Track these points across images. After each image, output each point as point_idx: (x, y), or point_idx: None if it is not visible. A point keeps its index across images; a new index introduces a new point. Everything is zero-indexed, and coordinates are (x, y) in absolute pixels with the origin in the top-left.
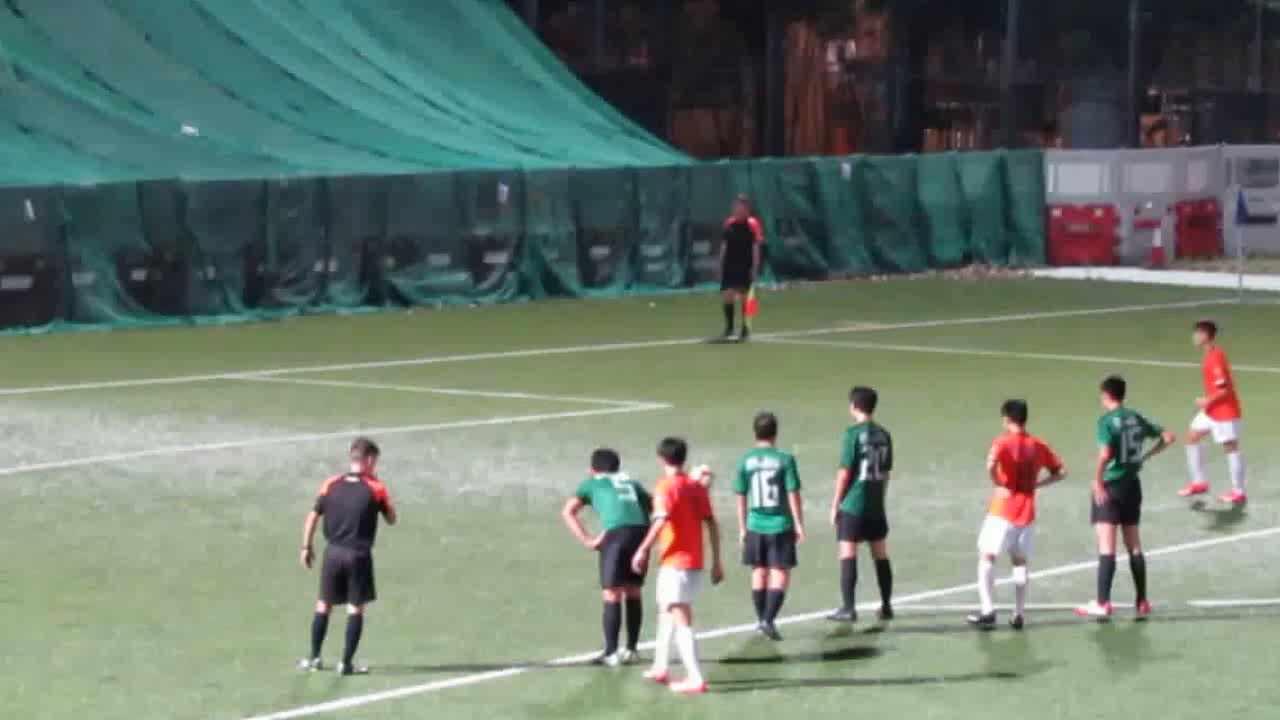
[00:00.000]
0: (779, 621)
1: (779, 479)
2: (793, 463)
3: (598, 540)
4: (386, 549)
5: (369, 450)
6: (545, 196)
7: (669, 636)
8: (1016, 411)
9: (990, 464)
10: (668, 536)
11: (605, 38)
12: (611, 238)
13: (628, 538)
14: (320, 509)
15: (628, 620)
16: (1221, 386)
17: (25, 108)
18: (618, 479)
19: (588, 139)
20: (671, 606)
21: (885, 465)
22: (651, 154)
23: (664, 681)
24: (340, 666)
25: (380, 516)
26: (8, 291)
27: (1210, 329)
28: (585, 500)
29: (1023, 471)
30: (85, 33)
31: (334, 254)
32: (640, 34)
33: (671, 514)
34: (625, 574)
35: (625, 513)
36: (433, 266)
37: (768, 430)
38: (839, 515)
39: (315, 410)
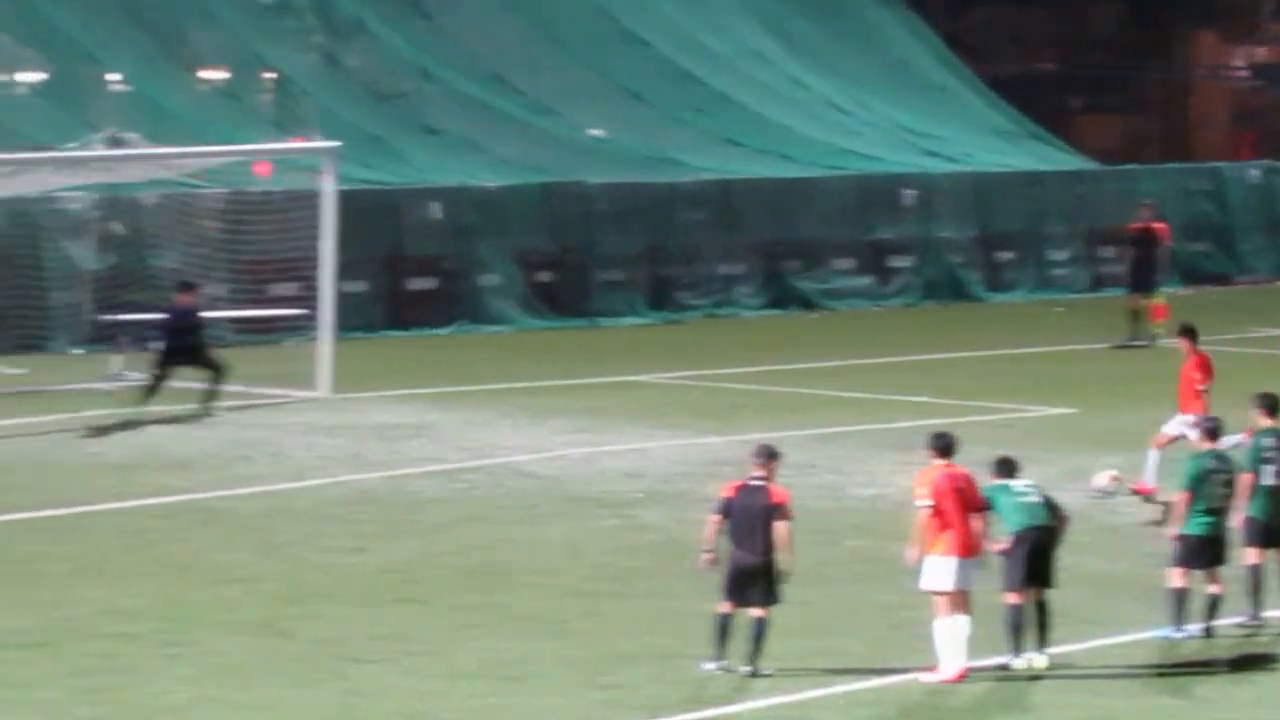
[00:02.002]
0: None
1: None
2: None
3: (1003, 544)
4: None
5: (771, 455)
6: (949, 200)
7: (949, 628)
8: None
9: None
10: (934, 527)
11: (1009, 41)
12: (1016, 242)
13: (1034, 539)
14: (723, 512)
15: (1038, 622)
16: (1197, 389)
17: (431, 110)
18: (1018, 484)
19: (992, 143)
20: (938, 594)
21: None
22: (1056, 158)
23: (963, 677)
24: (743, 669)
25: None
26: (414, 292)
27: (1193, 335)
28: (992, 506)
29: None
30: (491, 36)
31: (737, 257)
32: (1044, 38)
33: (936, 504)
34: (1033, 576)
35: (1028, 514)
36: (836, 270)
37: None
38: (1246, 521)
39: (719, 412)
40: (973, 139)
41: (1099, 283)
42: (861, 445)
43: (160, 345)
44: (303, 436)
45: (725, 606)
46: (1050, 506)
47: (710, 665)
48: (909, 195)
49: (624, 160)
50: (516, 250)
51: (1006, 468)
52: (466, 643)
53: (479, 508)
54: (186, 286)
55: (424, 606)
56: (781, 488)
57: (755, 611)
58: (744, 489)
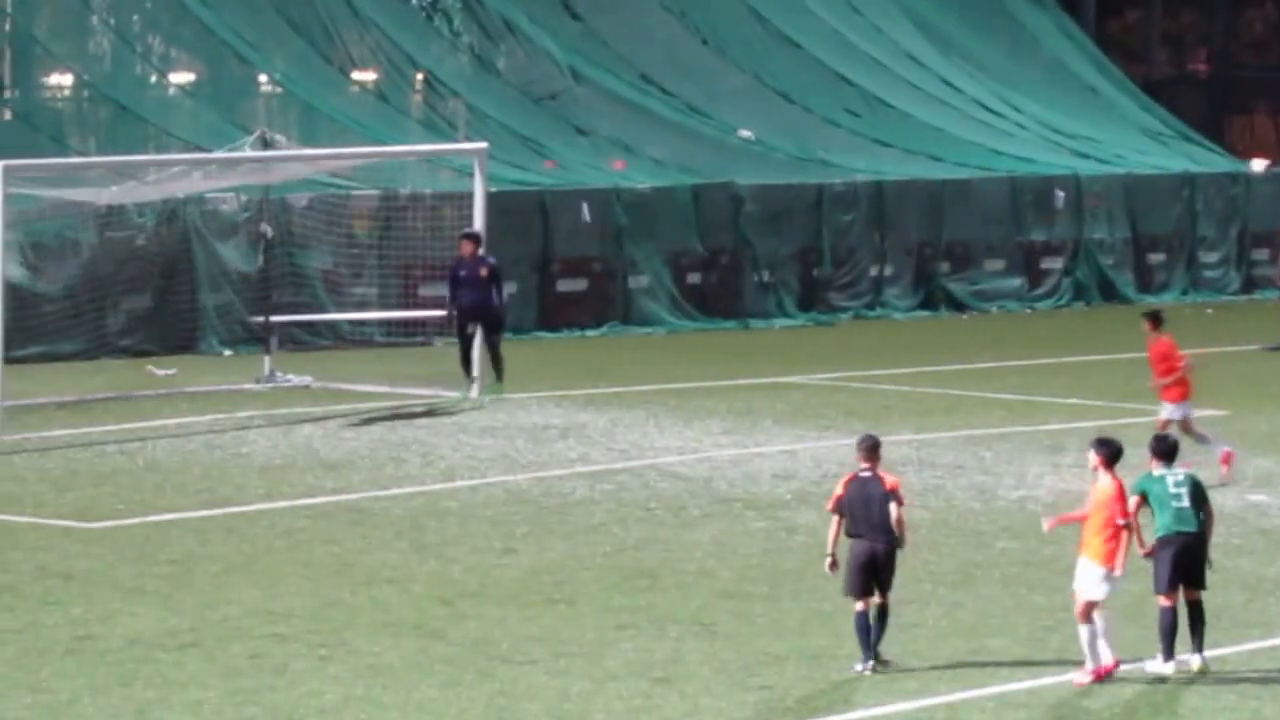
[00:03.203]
0: None
1: None
2: None
3: (1149, 548)
4: (941, 553)
5: (874, 446)
6: (1101, 202)
7: (1096, 629)
8: None
9: None
10: (1097, 532)
11: (1162, 43)
12: (1168, 244)
13: (1181, 543)
14: (839, 510)
15: (1191, 625)
16: (1180, 369)
17: (582, 111)
18: (1173, 477)
19: (1144, 144)
20: (1088, 601)
21: None
22: (1209, 160)
23: (1110, 671)
24: (863, 662)
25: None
26: (565, 293)
27: (1156, 319)
28: (1145, 499)
29: None
30: (641, 36)
31: (889, 258)
32: (1198, 39)
33: (1099, 512)
34: (1182, 578)
35: (1177, 519)
36: (988, 271)
37: None
38: None
39: (870, 413)
40: (1124, 140)
41: (1250, 285)
42: (1011, 447)
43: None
44: (453, 437)
45: (860, 604)
46: (1199, 507)
47: (859, 666)
48: (1061, 197)
49: (774, 162)
50: (667, 251)
51: (1166, 452)
52: (616, 644)
53: (628, 509)
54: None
55: (573, 607)
56: (891, 475)
57: (877, 599)
58: (854, 481)
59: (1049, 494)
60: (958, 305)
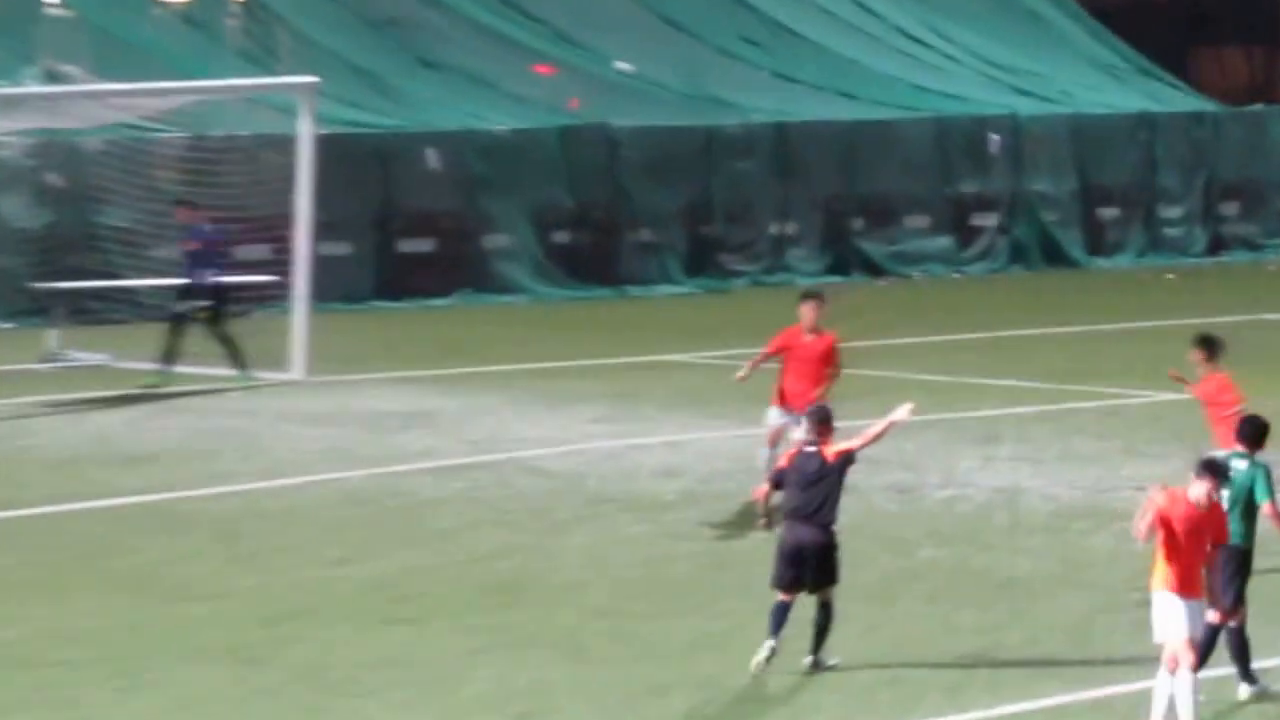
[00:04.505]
0: None
1: None
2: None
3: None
4: (855, 564)
5: (823, 420)
6: (1044, 148)
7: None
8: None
9: None
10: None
11: None
12: (1123, 197)
13: (1229, 558)
14: (777, 484)
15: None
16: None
17: (430, 39)
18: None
19: (1095, 80)
20: (1172, 646)
21: None
22: (1171, 98)
23: None
24: (806, 660)
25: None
26: (409, 256)
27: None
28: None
29: None
30: None
31: (793, 214)
32: None
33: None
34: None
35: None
36: (910, 230)
37: None
38: None
39: (769, 398)
40: (1072, 75)
41: (1219, 244)
42: (938, 437)
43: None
44: (276, 426)
45: (783, 595)
46: (1250, 518)
47: (763, 652)
48: (996, 141)
49: (658, 100)
50: (530, 206)
51: (1255, 434)
52: (470, 671)
53: (485, 511)
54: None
55: (419, 628)
56: (840, 445)
57: (816, 595)
58: (798, 456)
59: (982, 493)
60: (874, 269)
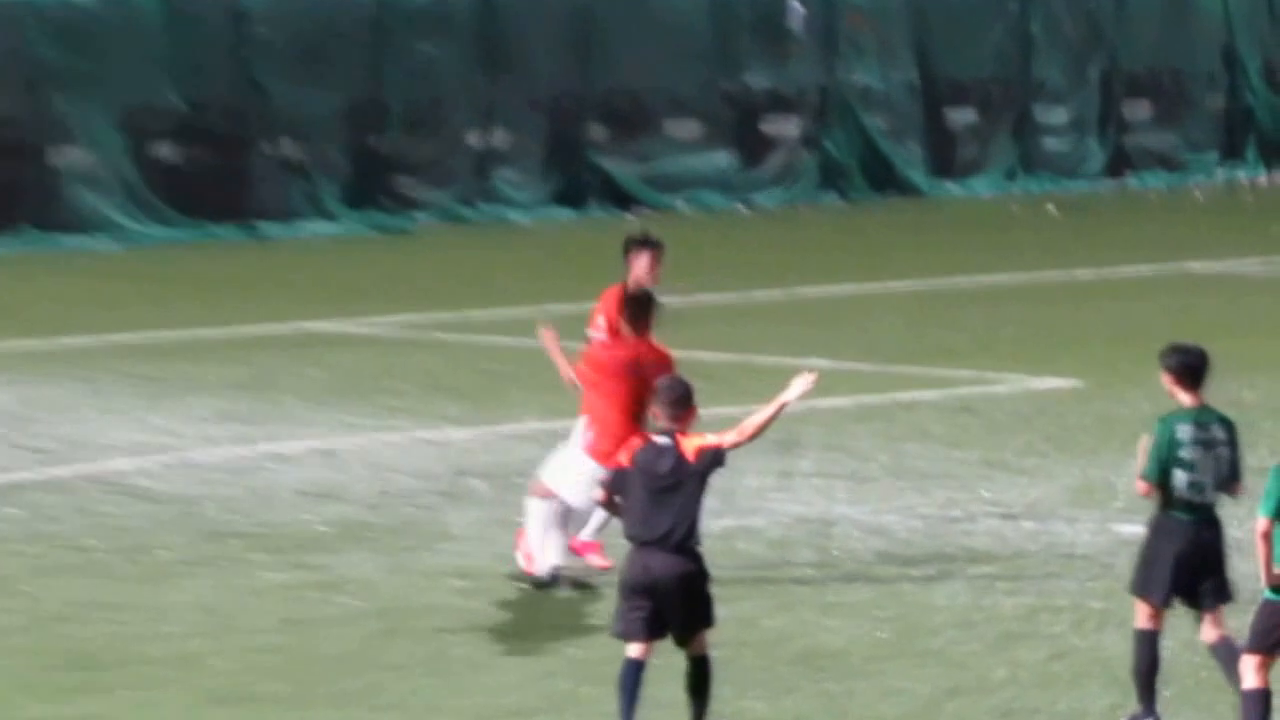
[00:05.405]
0: None
1: None
2: None
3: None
4: (582, 634)
5: (683, 396)
6: (868, 24)
7: None
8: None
9: None
10: None
11: None
12: (983, 95)
13: None
14: (614, 490)
15: None
16: None
17: None
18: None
19: None
20: None
21: None
22: None
23: None
24: None
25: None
26: None
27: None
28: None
29: None
30: None
31: (503, 120)
32: None
33: None
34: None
35: None
36: (673, 142)
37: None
38: None
39: (467, 387)
40: None
41: (1122, 163)
42: None
43: None
44: None
45: (637, 648)
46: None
47: None
48: (798, 13)
49: None
50: (119, 107)
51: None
52: None
53: (56, 551)
54: None
55: None
56: (705, 440)
57: (689, 648)
58: (646, 450)
59: (777, 524)
60: (621, 198)
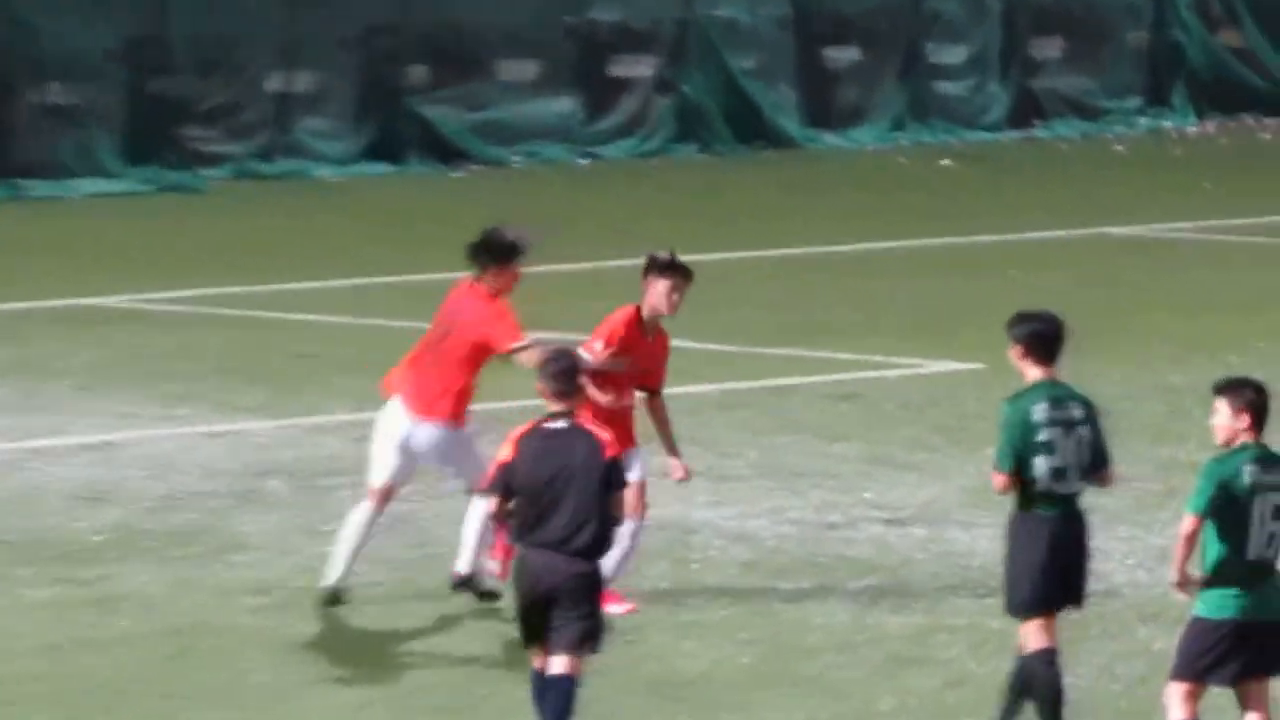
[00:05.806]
0: None
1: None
2: None
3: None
4: (394, 659)
5: (564, 372)
6: None
7: None
8: None
9: None
10: None
11: None
12: (866, 30)
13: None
14: (502, 488)
15: None
16: None
17: None
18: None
19: None
20: None
21: None
22: None
23: None
24: None
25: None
26: None
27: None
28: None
29: None
30: None
31: (308, 60)
32: None
33: None
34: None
35: None
36: (506, 86)
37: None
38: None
39: (265, 370)
40: None
41: (1030, 111)
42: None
43: None
44: None
45: (540, 659)
46: None
47: None
48: None
49: None
50: None
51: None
52: None
53: None
54: None
55: None
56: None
57: (558, 663)
58: (534, 437)
59: (663, 532)
60: (445, 150)
